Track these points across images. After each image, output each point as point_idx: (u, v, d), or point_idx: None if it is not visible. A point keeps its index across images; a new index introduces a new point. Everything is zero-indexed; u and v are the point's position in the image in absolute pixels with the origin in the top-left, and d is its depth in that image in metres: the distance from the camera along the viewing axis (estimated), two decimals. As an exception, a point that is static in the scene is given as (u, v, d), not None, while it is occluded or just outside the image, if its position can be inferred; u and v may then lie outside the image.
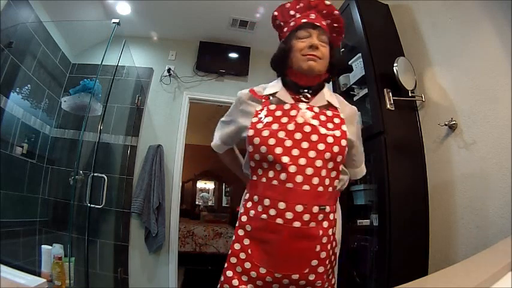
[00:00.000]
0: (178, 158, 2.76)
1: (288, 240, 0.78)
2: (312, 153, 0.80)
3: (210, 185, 6.82)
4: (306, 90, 0.91)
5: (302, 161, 0.79)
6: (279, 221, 0.78)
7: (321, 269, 0.80)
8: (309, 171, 0.78)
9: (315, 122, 0.83)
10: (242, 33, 2.84)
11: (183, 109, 2.87)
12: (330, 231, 0.83)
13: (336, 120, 0.86)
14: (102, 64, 2.04)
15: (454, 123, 1.38)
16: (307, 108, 0.86)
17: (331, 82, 2.08)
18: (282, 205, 0.79)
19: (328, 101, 0.91)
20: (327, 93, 0.94)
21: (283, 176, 0.79)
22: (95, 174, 2.11)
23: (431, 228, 1.46)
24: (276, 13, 1.00)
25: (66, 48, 2.53)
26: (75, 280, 1.47)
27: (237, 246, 0.86)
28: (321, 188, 0.79)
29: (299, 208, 0.77)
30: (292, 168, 0.78)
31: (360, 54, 1.71)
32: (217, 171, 6.34)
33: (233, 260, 0.85)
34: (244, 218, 0.87)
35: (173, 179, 2.70)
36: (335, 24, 0.97)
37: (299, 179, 0.78)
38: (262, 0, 2.45)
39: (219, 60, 2.99)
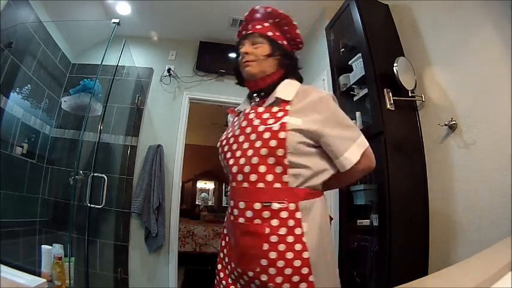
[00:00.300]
0: (178, 158, 2.76)
1: (238, 236, 0.84)
2: (249, 152, 0.83)
3: (210, 185, 6.82)
4: (255, 95, 0.97)
5: (242, 161, 0.84)
6: (232, 217, 0.87)
7: (272, 271, 0.76)
8: (247, 169, 0.83)
9: (256, 122, 0.86)
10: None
11: (183, 109, 2.87)
12: (283, 231, 0.78)
13: (279, 114, 0.85)
14: (102, 64, 2.04)
15: (454, 123, 1.38)
16: (251, 110, 0.92)
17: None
18: (231, 203, 0.87)
19: (276, 97, 0.90)
20: (280, 90, 0.91)
21: (230, 177, 0.89)
22: (95, 174, 2.11)
23: (431, 228, 1.46)
24: (236, 43, 1.09)
25: (66, 48, 2.53)
26: (75, 280, 1.47)
27: (223, 243, 0.96)
28: (261, 185, 0.81)
29: (241, 205, 0.83)
30: (234, 169, 0.86)
31: (360, 54, 1.71)
32: (217, 171, 6.34)
33: (221, 254, 0.95)
34: (225, 218, 0.97)
35: (173, 179, 2.70)
36: (277, 20, 1.00)
37: (240, 177, 0.84)
38: (262, 0, 2.45)
39: (219, 60, 2.98)
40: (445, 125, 1.41)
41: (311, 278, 0.76)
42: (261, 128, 0.84)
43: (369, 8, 1.77)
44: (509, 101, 1.13)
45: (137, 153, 2.66)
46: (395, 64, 1.50)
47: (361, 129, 1.70)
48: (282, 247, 0.77)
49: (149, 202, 2.49)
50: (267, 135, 0.81)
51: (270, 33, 0.97)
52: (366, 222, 1.60)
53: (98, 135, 2.17)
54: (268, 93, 0.93)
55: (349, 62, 1.83)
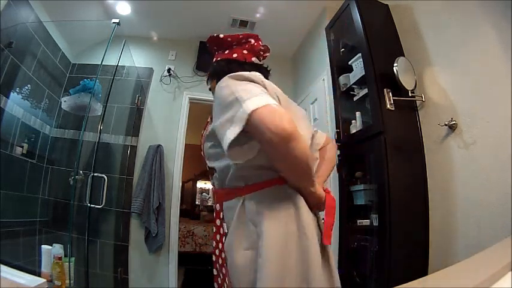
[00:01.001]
0: (178, 158, 2.76)
1: None
2: None
3: (210, 185, 6.81)
4: None
5: None
6: None
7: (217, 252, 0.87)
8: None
9: None
10: (242, 33, 2.83)
11: (183, 109, 2.87)
12: (215, 229, 0.88)
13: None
14: (102, 64, 2.04)
15: (454, 123, 1.38)
16: None
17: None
18: None
19: None
20: None
21: None
22: (95, 174, 2.11)
23: (431, 228, 1.46)
24: None
25: (66, 48, 2.53)
26: (75, 280, 1.47)
27: None
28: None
29: None
30: None
31: (360, 54, 1.71)
32: (217, 171, 6.32)
33: None
34: None
35: (173, 179, 2.70)
36: (215, 46, 1.03)
37: None
38: (262, 0, 2.46)
39: (219, 60, 2.98)
40: (445, 125, 1.41)
41: (231, 277, 0.73)
42: None
43: (369, 8, 1.77)
44: (509, 101, 1.13)
45: (137, 153, 2.66)
46: (395, 64, 1.50)
47: (360, 129, 1.72)
48: (213, 242, 0.87)
49: (149, 202, 2.49)
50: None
51: (214, 60, 1.03)
52: (366, 222, 1.60)
53: (98, 135, 2.17)
54: None
55: (349, 62, 1.83)
